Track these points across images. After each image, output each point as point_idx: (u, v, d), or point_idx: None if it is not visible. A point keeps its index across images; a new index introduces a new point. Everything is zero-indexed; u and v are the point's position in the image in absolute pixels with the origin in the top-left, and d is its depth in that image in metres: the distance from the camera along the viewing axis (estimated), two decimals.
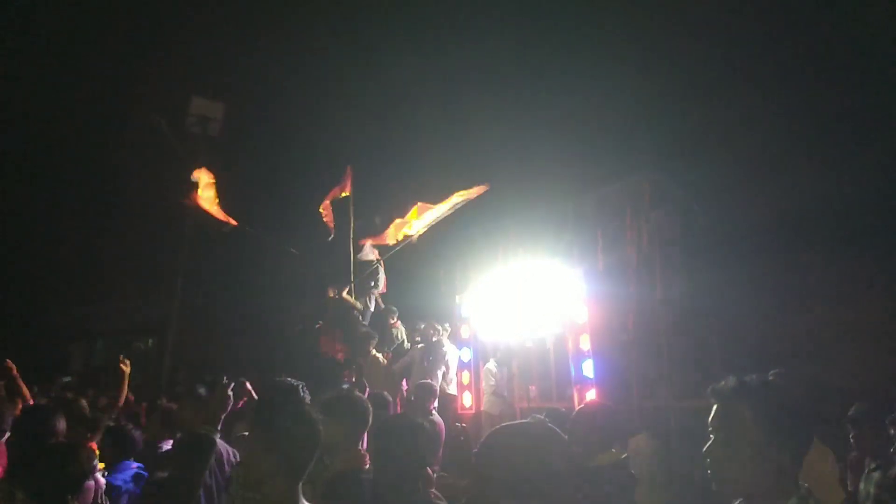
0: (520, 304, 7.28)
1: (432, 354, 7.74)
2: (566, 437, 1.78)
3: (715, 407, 1.67)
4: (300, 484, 2.16)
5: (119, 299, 17.72)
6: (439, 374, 7.59)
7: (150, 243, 15.16)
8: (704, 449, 1.65)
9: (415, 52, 13.67)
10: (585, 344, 6.50)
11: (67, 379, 10.55)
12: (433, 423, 5.89)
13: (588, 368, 6.40)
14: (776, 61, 10.07)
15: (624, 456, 3.22)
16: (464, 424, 7.40)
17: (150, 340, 16.70)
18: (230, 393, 3.08)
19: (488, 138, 11.94)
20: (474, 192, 7.57)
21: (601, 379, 6.35)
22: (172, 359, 11.16)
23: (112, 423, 4.39)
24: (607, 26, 12.04)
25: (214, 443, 2.97)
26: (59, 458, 2.55)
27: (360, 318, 8.57)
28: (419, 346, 8.25)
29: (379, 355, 8.00)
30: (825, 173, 8.20)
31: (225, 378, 3.34)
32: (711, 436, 1.65)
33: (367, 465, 2.95)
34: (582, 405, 4.51)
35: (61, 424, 3.64)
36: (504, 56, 12.70)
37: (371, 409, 3.11)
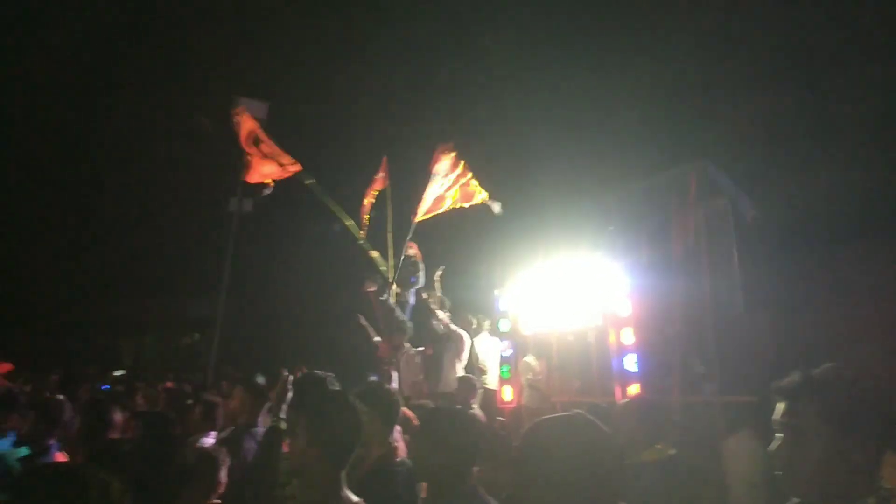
0: (561, 297, 7.15)
1: (453, 345, 7.71)
2: (609, 431, 1.69)
3: (780, 405, 1.55)
4: (343, 473, 2.17)
5: (167, 296, 18.26)
6: (458, 366, 7.55)
7: (198, 241, 15.55)
8: (772, 449, 1.53)
9: (454, 44, 13.61)
10: (628, 338, 6.34)
11: (120, 372, 10.91)
12: None
13: (630, 363, 6.26)
14: (831, 47, 9.63)
15: (672, 452, 3.08)
16: (503, 419, 7.32)
17: (197, 335, 17.17)
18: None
19: (530, 129, 11.78)
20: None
21: (645, 373, 6.19)
22: (219, 353, 11.39)
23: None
24: (654, 12, 11.73)
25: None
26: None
27: (399, 312, 8.56)
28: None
29: (413, 349, 8.01)
30: (889, 160, 7.80)
31: (285, 370, 3.37)
32: (778, 435, 1.53)
33: (400, 458, 2.95)
34: (626, 399, 4.37)
35: (118, 417, 3.76)
36: (545, 44, 12.51)
37: (400, 401, 3.11)
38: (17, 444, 3.73)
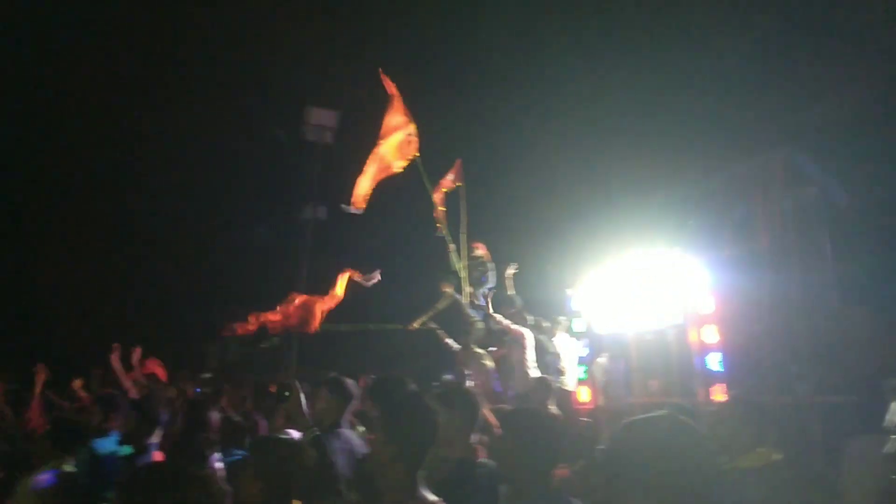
0: (638, 295, 6.96)
1: (516, 345, 7.63)
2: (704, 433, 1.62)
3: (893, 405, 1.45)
4: (419, 472, 2.19)
5: (249, 302, 19.08)
6: (528, 365, 7.44)
7: (275, 250, 16.17)
8: (890, 452, 1.43)
9: (528, 38, 13.50)
10: (711, 336, 6.09)
11: (207, 375, 11.45)
12: None
13: (714, 362, 6.00)
14: None
15: (777, 457, 2.90)
16: (586, 419, 7.20)
17: (277, 339, 17.83)
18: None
19: (601, 114, 11.47)
20: None
21: (730, 373, 5.92)
22: (298, 358, 11.76)
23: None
24: None
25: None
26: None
27: (471, 312, 8.56)
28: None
29: (480, 350, 7.98)
30: None
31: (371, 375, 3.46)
32: (894, 437, 1.43)
33: (480, 458, 2.94)
34: (724, 399, 4.17)
35: (216, 417, 3.96)
36: (618, 33, 12.20)
37: (480, 402, 3.10)
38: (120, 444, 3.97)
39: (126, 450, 3.93)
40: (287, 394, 4.90)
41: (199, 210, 18.24)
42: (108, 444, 3.93)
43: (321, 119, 12.79)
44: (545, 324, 8.32)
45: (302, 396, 3.62)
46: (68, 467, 3.26)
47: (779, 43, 9.80)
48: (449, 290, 8.61)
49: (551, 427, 2.41)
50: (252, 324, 7.46)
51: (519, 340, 7.67)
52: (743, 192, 6.63)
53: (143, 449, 3.90)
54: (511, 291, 8.50)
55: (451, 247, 8.68)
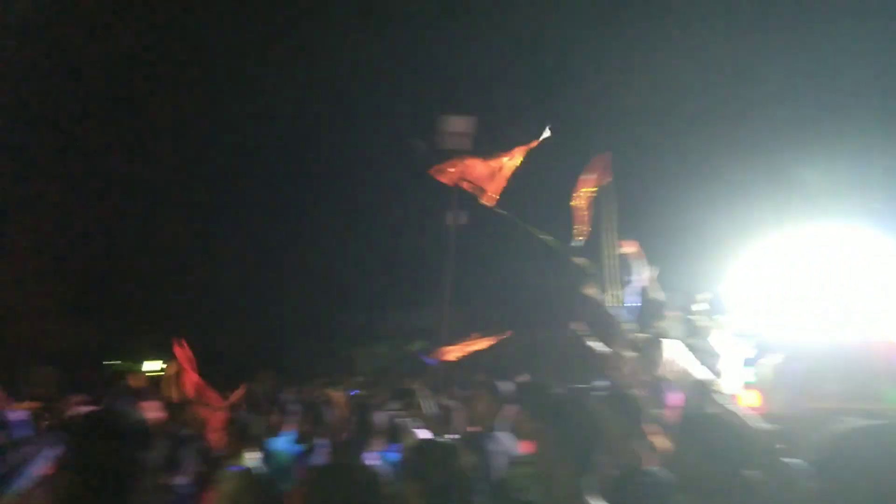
0: (806, 287, 6.32)
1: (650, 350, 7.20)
2: None
3: None
4: (584, 478, 2.16)
5: (397, 307, 19.98)
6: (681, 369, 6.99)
7: (421, 255, 16.78)
8: None
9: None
10: None
11: (360, 379, 12.08)
12: None
13: None
14: None
15: None
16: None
17: (423, 343, 18.39)
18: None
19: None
20: None
21: None
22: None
23: None
24: None
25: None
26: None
27: (612, 314, 8.26)
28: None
29: (631, 353, 7.65)
30: None
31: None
32: None
33: (648, 464, 2.81)
34: None
35: (381, 418, 4.18)
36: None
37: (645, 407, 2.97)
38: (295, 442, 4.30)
39: (298, 448, 4.25)
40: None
41: (347, 220, 19.41)
42: (282, 443, 4.28)
43: (457, 127, 12.99)
44: (700, 324, 7.84)
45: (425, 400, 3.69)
46: (251, 462, 3.58)
47: None
48: (591, 291, 8.39)
49: (736, 432, 2.24)
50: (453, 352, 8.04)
51: (651, 346, 7.30)
52: None
53: (312, 448, 4.19)
54: (657, 295, 8.13)
55: (578, 261, 8.44)
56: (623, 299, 8.73)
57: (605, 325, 8.09)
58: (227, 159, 19.25)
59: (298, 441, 4.22)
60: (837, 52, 10.03)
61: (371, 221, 19.72)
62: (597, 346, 7.98)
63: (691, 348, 7.33)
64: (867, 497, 1.31)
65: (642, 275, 8.96)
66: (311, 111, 19.05)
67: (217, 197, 19.79)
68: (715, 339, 7.63)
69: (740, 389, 7.07)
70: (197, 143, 18.85)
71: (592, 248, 8.56)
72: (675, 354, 7.27)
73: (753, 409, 6.83)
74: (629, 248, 8.69)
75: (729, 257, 7.56)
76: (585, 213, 8.40)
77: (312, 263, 19.97)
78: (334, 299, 20.83)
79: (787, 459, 2.45)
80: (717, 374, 7.43)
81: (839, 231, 6.07)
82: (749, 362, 7.02)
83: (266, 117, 19.11)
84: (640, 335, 7.59)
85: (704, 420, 2.45)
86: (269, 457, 3.94)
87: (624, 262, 8.63)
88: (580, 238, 8.55)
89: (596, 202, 8.43)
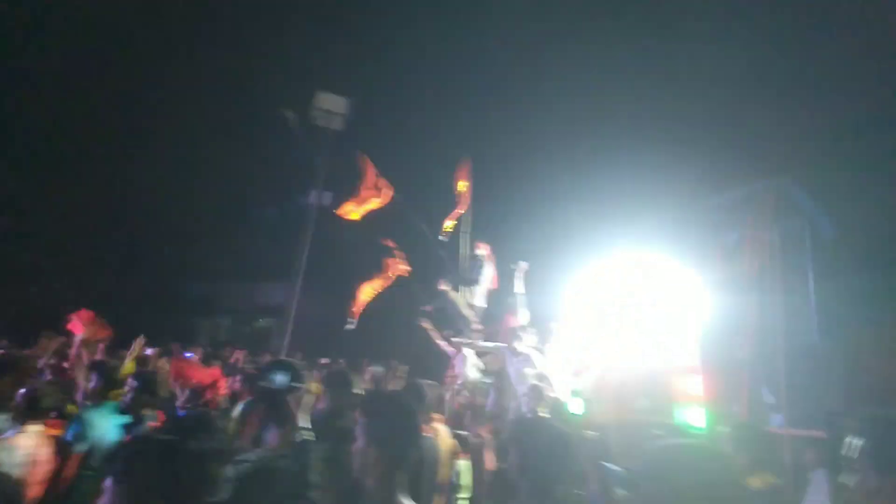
0: (627, 302, 7.05)
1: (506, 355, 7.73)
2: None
3: (852, 441, 1.58)
4: (400, 475, 2.11)
5: (244, 281, 19.27)
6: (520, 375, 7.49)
7: (274, 230, 16.29)
8: (844, 483, 1.59)
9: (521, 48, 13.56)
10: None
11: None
12: None
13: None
14: None
15: (777, 482, 3.04)
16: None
17: (269, 320, 17.93)
18: None
19: (593, 138, 11.57)
20: None
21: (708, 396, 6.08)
22: (292, 340, 11.78)
23: None
24: (731, 20, 11.33)
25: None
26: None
27: (462, 313, 8.60)
28: None
29: (474, 356, 8.04)
30: None
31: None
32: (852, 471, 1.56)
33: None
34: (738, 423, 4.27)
35: None
36: (612, 53, 12.27)
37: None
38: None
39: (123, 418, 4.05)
40: None
41: (204, 196, 18.40)
42: (103, 413, 4.07)
43: (331, 105, 12.76)
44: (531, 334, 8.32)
45: None
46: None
47: (776, 76, 9.92)
48: (445, 287, 8.64)
49: (561, 440, 2.25)
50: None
51: (508, 351, 7.66)
52: (736, 217, 6.77)
53: (140, 419, 4.04)
54: (519, 290, 8.24)
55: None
56: (472, 300, 9.17)
57: (454, 322, 8.43)
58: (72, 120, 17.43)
59: (124, 411, 4.06)
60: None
61: (229, 193, 18.87)
62: (444, 345, 8.27)
63: (534, 356, 7.88)
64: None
65: (490, 276, 9.47)
66: (177, 79, 17.76)
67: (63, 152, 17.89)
68: (549, 352, 8.24)
69: (568, 397, 7.73)
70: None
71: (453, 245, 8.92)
72: (522, 360, 7.74)
73: (578, 414, 7.52)
74: (483, 249, 9.11)
75: (564, 277, 8.18)
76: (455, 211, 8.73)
77: (160, 230, 18.75)
78: (176, 268, 19.68)
79: (607, 465, 2.51)
80: (551, 382, 8.06)
81: (649, 260, 6.85)
82: (575, 374, 7.66)
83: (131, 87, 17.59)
84: (489, 343, 8.00)
85: (536, 421, 2.52)
86: (85, 427, 3.77)
87: (477, 263, 9.03)
88: (444, 233, 8.83)
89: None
